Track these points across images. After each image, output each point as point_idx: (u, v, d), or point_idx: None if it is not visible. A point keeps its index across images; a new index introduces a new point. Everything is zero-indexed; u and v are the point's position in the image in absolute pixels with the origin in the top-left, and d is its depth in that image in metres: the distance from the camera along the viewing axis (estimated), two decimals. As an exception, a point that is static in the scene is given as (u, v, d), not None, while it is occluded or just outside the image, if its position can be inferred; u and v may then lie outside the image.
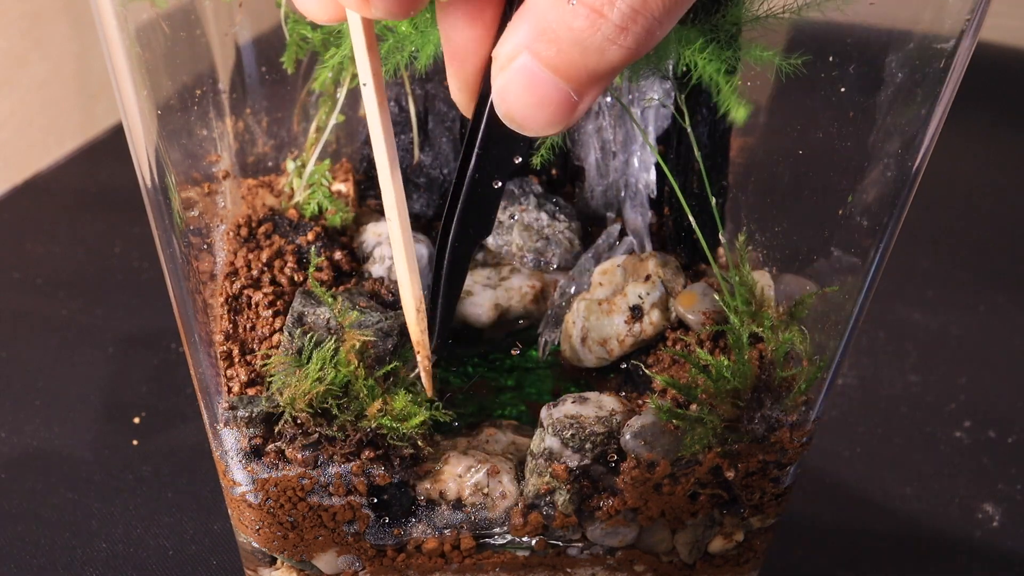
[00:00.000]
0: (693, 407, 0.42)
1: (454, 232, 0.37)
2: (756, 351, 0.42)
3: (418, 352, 0.41)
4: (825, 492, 0.64)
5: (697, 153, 0.46)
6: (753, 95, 0.48)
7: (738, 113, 0.37)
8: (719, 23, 0.39)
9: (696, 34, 0.39)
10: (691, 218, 0.45)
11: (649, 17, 0.27)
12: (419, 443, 0.42)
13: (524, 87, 0.29)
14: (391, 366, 0.42)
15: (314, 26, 0.48)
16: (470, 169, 0.35)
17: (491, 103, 0.31)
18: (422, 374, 0.42)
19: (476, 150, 0.34)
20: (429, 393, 0.42)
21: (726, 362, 0.41)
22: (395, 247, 0.40)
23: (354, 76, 0.51)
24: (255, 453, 0.43)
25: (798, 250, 0.47)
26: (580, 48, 0.28)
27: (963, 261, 0.89)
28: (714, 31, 0.39)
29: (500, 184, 0.36)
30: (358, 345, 0.42)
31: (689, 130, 0.45)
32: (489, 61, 0.31)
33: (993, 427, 0.69)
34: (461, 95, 0.34)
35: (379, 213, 0.55)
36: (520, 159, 0.35)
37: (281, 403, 0.41)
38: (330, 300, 0.43)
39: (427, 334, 0.41)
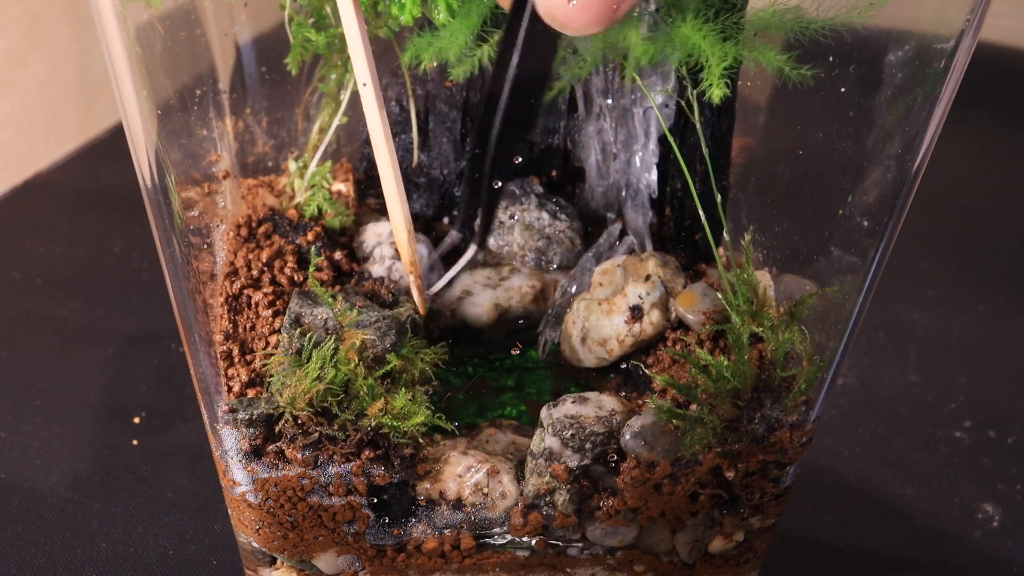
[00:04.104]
0: (693, 407, 0.42)
1: (497, 130, 0.37)
2: (756, 351, 0.42)
3: (410, 272, 0.41)
4: (825, 492, 0.64)
5: (705, 150, 0.46)
6: (753, 95, 0.48)
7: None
8: (738, 21, 0.39)
9: (709, 32, 0.39)
10: (701, 215, 0.45)
11: None
12: (419, 441, 0.42)
13: None
14: (390, 366, 0.42)
15: (318, 28, 0.48)
16: (513, 64, 0.35)
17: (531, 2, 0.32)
18: (413, 292, 0.42)
19: (518, 48, 0.34)
20: (422, 311, 0.42)
21: (726, 362, 0.41)
22: (383, 173, 0.40)
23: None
24: (255, 453, 0.43)
25: (798, 250, 0.47)
26: None
27: (963, 261, 0.89)
28: (725, 31, 0.39)
29: (548, 62, 0.36)
30: (358, 343, 0.42)
31: (699, 126, 0.45)
32: None
33: (993, 427, 0.69)
34: None
35: (379, 213, 0.55)
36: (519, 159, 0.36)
37: (281, 403, 0.41)
38: (329, 300, 0.43)
39: (416, 254, 0.41)
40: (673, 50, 0.40)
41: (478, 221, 0.41)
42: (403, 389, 0.42)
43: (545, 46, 0.35)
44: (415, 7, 0.41)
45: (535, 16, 0.31)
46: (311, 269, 0.46)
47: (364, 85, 0.39)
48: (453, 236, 0.43)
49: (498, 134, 0.38)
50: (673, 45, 0.39)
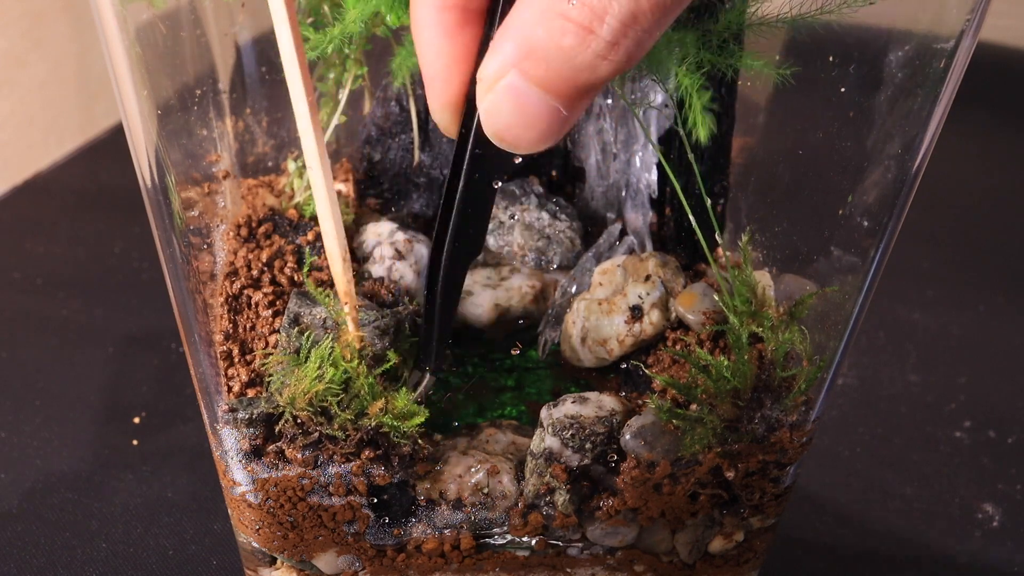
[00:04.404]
0: (693, 407, 0.42)
1: (447, 253, 0.37)
2: (756, 351, 0.42)
3: (344, 303, 0.41)
4: (825, 492, 0.64)
5: (691, 155, 0.46)
6: (753, 95, 0.48)
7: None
8: (712, 28, 0.39)
9: (690, 38, 0.39)
10: (691, 218, 0.45)
11: (639, 30, 0.27)
12: (419, 442, 0.42)
13: (513, 106, 0.29)
14: (389, 364, 0.42)
15: (317, 28, 0.48)
16: (459, 190, 0.35)
17: (477, 123, 0.31)
18: (349, 325, 0.42)
19: (464, 171, 0.34)
20: (357, 345, 0.42)
21: (726, 362, 0.41)
22: (317, 197, 0.40)
23: (356, 77, 0.51)
24: (255, 453, 0.43)
25: (798, 250, 0.47)
26: (570, 65, 0.28)
27: (963, 261, 0.89)
28: (707, 36, 0.39)
29: (489, 201, 0.36)
30: (351, 340, 0.42)
31: (683, 134, 0.45)
32: (471, 80, 0.31)
33: (993, 427, 0.69)
34: (444, 115, 0.33)
35: (379, 213, 0.55)
36: (513, 166, 0.35)
37: (281, 403, 0.41)
38: (325, 299, 0.43)
39: (353, 284, 0.42)
40: (664, 64, 0.40)
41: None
42: (403, 389, 0.42)
43: (492, 169, 0.34)
44: (402, 11, 0.42)
45: (482, 139, 0.31)
46: (306, 269, 0.46)
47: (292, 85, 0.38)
48: (415, 376, 0.44)
49: (447, 260, 0.38)
50: (664, 60, 0.39)
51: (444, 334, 0.41)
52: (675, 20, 0.39)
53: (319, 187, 0.39)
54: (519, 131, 0.30)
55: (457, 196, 0.35)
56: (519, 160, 0.33)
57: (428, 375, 0.43)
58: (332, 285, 0.47)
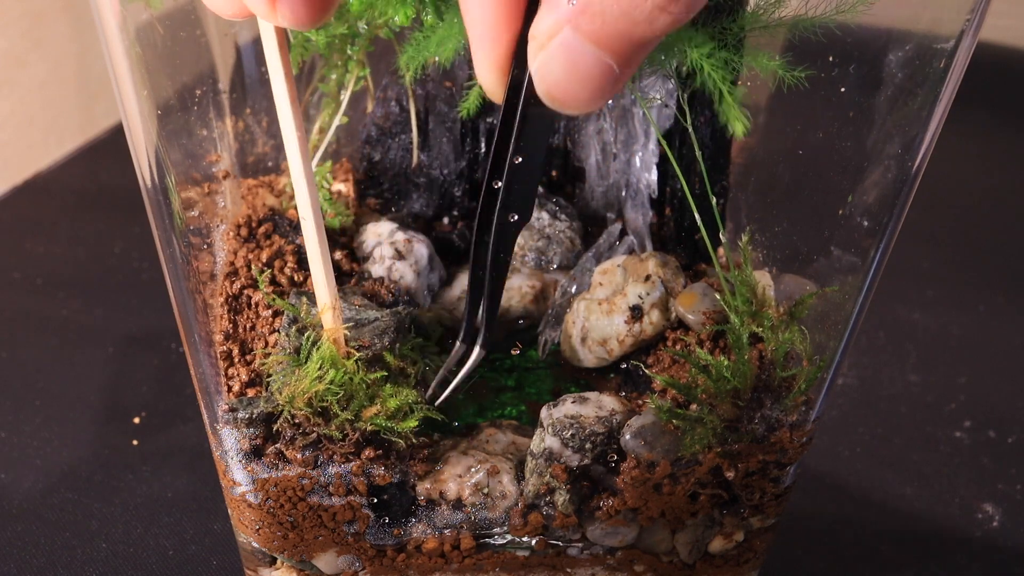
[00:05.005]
0: (693, 407, 0.42)
1: (498, 220, 0.37)
2: (756, 351, 0.42)
3: (334, 343, 0.41)
4: (825, 492, 0.64)
5: (699, 153, 0.46)
6: (753, 95, 0.48)
7: (736, 127, 0.37)
8: (728, 27, 0.39)
9: (703, 37, 0.39)
10: (697, 217, 0.45)
11: None
12: (412, 439, 0.42)
13: (566, 64, 0.28)
14: (380, 374, 0.42)
15: (318, 28, 0.48)
16: (511, 153, 0.34)
17: (527, 83, 0.31)
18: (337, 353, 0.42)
19: (515, 133, 0.33)
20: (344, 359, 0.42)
21: (726, 362, 0.41)
22: (309, 248, 0.40)
23: (358, 79, 0.51)
24: (255, 453, 0.43)
25: (798, 250, 0.47)
26: (628, 19, 0.27)
27: (963, 261, 0.89)
28: (722, 35, 0.39)
29: (540, 163, 0.35)
30: (335, 337, 0.42)
31: (691, 131, 0.45)
32: (519, 39, 0.31)
33: (993, 427, 0.69)
34: (491, 77, 0.32)
35: (379, 213, 0.55)
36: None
37: (280, 402, 0.41)
38: (289, 306, 0.43)
39: (343, 331, 0.41)
40: (667, 56, 0.40)
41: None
42: (388, 386, 0.42)
43: (543, 130, 0.34)
44: (409, 9, 0.41)
45: (531, 99, 0.30)
46: (261, 282, 0.45)
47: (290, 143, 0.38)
48: (458, 348, 0.43)
49: (497, 228, 0.37)
50: (674, 49, 0.39)
51: (494, 306, 0.40)
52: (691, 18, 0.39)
53: (311, 238, 0.39)
54: (572, 89, 0.29)
55: (508, 160, 0.35)
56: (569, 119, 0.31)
57: (478, 350, 0.42)
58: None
